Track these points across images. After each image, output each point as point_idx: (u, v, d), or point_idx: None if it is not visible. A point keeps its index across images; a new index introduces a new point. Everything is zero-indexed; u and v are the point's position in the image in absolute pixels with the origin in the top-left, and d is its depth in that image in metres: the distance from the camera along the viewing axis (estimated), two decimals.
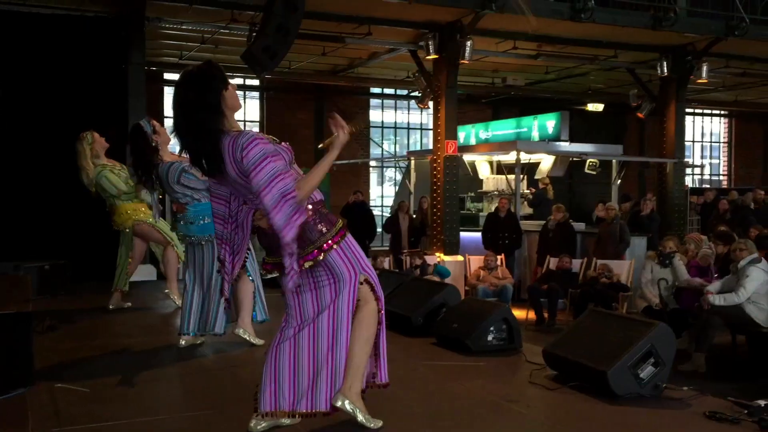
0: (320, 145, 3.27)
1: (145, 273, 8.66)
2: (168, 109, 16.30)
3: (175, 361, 4.81)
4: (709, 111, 21.50)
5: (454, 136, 11.60)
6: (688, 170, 18.67)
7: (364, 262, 3.31)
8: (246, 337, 5.07)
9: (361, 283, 3.28)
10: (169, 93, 16.41)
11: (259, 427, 3.28)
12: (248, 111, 16.34)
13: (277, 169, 2.99)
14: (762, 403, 3.56)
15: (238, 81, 16.40)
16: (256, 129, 14.63)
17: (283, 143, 3.23)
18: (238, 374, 4.45)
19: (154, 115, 13.28)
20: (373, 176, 18.67)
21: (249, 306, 5.17)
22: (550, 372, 4.43)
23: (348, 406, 3.25)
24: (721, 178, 22.45)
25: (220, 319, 5.06)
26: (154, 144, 5.18)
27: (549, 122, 14.05)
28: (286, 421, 3.29)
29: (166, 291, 6.85)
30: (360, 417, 3.28)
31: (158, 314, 6.63)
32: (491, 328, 5.02)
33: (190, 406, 3.82)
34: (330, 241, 3.17)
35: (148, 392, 4.08)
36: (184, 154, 3.29)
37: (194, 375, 4.49)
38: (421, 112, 18.55)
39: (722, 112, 21.82)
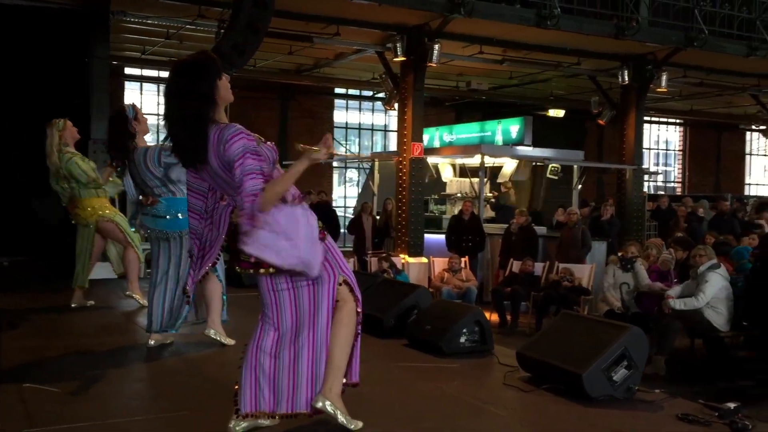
0: (299, 146, 3.24)
1: (107, 271, 8.48)
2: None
3: (144, 361, 4.73)
4: (665, 119, 22.04)
5: (420, 139, 11.66)
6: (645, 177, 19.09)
7: (342, 264, 3.30)
8: (217, 338, 5.01)
9: (340, 284, 3.27)
10: (130, 88, 16.16)
11: (238, 428, 3.24)
12: None
13: (252, 167, 2.98)
14: (731, 405, 3.66)
15: None
16: None
17: (268, 143, 3.21)
18: (210, 374, 4.40)
19: (115, 109, 13.12)
20: (335, 177, 18.65)
21: (218, 307, 5.12)
22: (523, 374, 4.49)
23: (329, 407, 3.24)
24: (675, 185, 23.02)
25: (182, 317, 5.00)
26: (132, 131, 5.06)
27: (513, 127, 14.21)
28: (265, 422, 3.26)
29: (128, 293, 6.71)
30: (341, 418, 3.27)
31: (122, 313, 6.50)
32: (464, 330, 5.05)
33: (165, 406, 3.75)
34: None
35: (120, 392, 4.01)
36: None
37: (166, 375, 4.43)
38: (386, 113, 18.60)
39: (678, 121, 22.38)
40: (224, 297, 5.22)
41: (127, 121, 5.06)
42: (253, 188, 2.96)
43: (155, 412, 3.64)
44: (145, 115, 5.25)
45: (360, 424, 3.31)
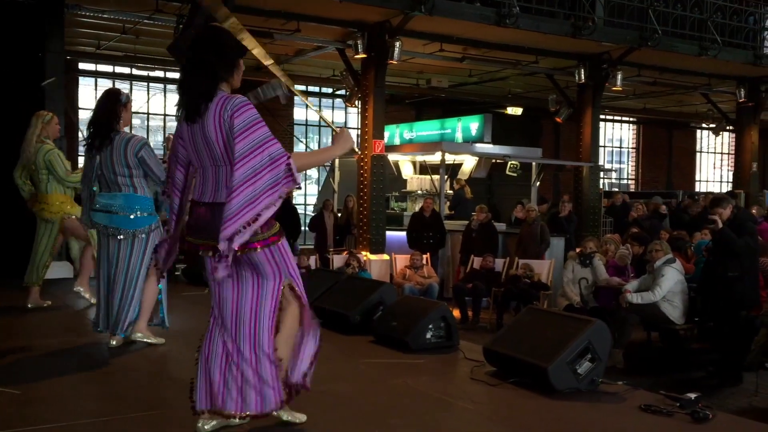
0: (335, 129, 3.34)
1: (62, 270, 8.30)
2: (83, 100, 15.69)
3: (106, 361, 4.64)
4: (619, 117, 22.47)
5: (382, 136, 11.68)
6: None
7: (291, 267, 3.24)
8: (145, 340, 4.96)
9: (284, 287, 3.22)
10: (84, 84, 15.80)
11: (206, 427, 3.21)
12: (170, 105, 15.93)
13: (268, 134, 2.98)
14: (692, 396, 3.76)
15: (159, 74, 15.99)
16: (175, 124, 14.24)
17: None
18: (172, 373, 4.34)
19: (69, 104, 12.80)
20: None
21: (149, 309, 5.00)
22: (489, 368, 4.54)
23: None
24: (629, 182, 23.49)
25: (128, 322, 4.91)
26: (118, 113, 4.88)
27: (472, 124, 14.34)
28: (235, 421, 3.23)
29: (77, 289, 6.60)
30: (284, 416, 3.32)
31: (80, 312, 6.37)
32: (430, 326, 5.08)
33: (129, 407, 3.69)
34: (266, 241, 3.10)
35: (83, 393, 3.94)
36: None
37: (128, 374, 4.35)
38: (345, 110, 18.57)
39: (631, 119, 22.84)
40: (160, 297, 5.07)
41: (118, 101, 4.91)
42: (274, 153, 2.96)
43: (120, 413, 3.57)
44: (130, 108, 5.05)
45: (304, 418, 3.36)
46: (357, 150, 3.51)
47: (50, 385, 4.01)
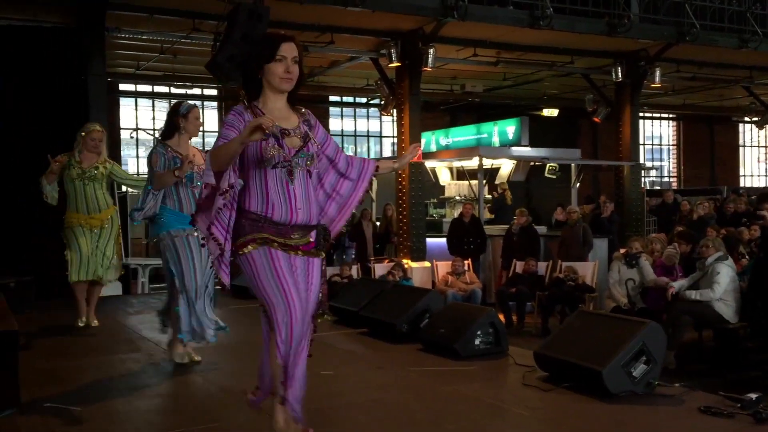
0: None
1: (110, 288, 8.45)
2: (123, 120, 16.01)
3: (161, 376, 4.71)
4: (658, 114, 22.13)
5: (419, 143, 11.65)
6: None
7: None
8: (178, 360, 4.92)
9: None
10: (125, 104, 16.13)
11: None
12: (207, 121, 16.16)
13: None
14: (753, 396, 3.67)
15: (196, 91, 16.24)
16: (215, 138, 14.43)
17: None
18: (227, 385, 4.38)
19: (110, 126, 13.06)
20: None
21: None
22: (540, 373, 4.49)
23: None
24: (671, 179, 23.10)
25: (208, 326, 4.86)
26: (177, 124, 4.90)
27: (509, 128, 14.25)
28: None
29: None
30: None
31: (131, 328, 6.47)
32: (478, 332, 5.05)
33: (186, 420, 3.74)
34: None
35: (140, 408, 3.99)
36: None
37: (184, 389, 4.41)
38: (380, 119, 18.62)
39: (671, 116, 22.48)
40: (177, 310, 4.84)
41: (176, 113, 4.95)
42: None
43: (177, 427, 3.62)
44: (198, 120, 5.02)
45: None
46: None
47: (108, 402, 4.07)
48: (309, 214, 3.10)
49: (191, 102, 5.24)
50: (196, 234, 4.59)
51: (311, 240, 3.14)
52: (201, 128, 5.01)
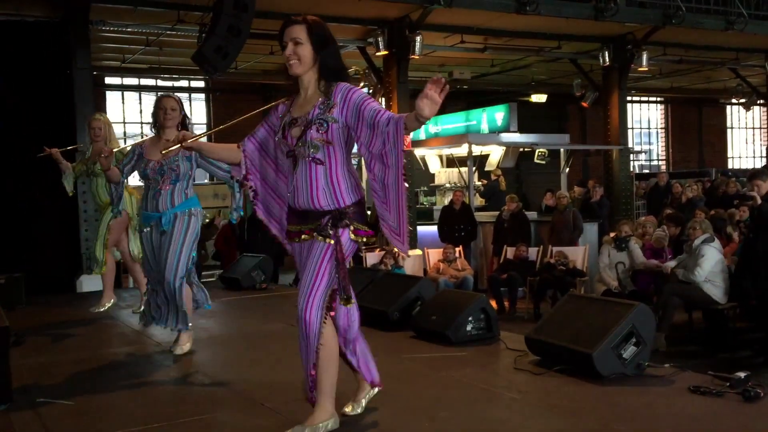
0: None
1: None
2: (111, 114, 15.91)
3: (154, 368, 4.72)
4: (646, 98, 22.18)
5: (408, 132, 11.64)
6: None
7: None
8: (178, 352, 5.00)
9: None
10: (111, 97, 16.04)
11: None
12: (194, 113, 16.10)
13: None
14: (742, 375, 3.71)
15: (183, 83, 16.16)
16: (203, 130, 14.34)
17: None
18: (220, 377, 4.39)
19: None
20: None
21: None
22: (532, 358, 4.52)
23: None
24: (660, 162, 23.18)
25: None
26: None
27: (498, 114, 14.25)
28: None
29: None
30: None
31: (124, 323, 6.46)
32: (470, 319, 5.08)
33: (181, 411, 3.74)
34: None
35: (134, 401, 3.99)
36: None
37: (178, 380, 4.41)
38: None
39: (659, 99, 22.53)
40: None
41: (155, 106, 4.97)
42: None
43: (171, 419, 3.62)
44: (163, 110, 4.94)
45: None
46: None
47: (101, 395, 4.08)
48: (310, 200, 3.12)
49: (165, 93, 5.27)
50: (146, 230, 4.92)
51: (320, 225, 3.13)
52: (187, 119, 4.97)
